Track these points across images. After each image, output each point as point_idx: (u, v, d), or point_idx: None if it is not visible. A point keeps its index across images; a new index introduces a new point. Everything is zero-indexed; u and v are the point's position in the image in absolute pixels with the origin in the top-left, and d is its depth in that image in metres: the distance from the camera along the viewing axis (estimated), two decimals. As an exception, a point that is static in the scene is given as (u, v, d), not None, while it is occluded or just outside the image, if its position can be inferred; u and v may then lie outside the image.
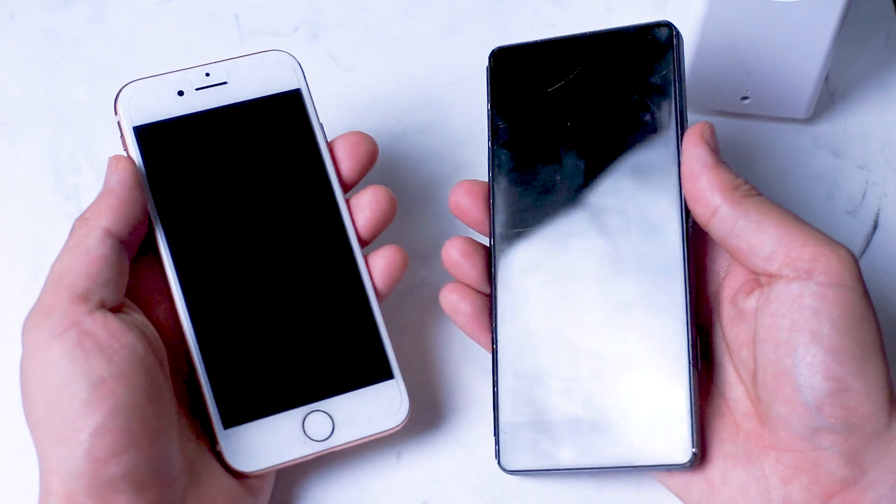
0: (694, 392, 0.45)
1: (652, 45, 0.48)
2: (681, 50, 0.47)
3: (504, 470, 0.46)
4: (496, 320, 0.47)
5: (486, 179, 0.49)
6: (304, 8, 0.61)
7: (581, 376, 0.46)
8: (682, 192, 0.46)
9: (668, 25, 0.48)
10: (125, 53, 0.59)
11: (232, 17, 0.60)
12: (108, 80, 0.58)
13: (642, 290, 0.46)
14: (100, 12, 0.60)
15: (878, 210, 0.56)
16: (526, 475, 0.47)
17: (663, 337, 0.45)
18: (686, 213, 0.46)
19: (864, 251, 0.55)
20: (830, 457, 0.41)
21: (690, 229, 0.46)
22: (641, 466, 0.44)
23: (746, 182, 0.45)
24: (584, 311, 0.46)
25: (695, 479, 0.45)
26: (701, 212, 0.45)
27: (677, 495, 0.46)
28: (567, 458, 0.45)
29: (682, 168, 0.46)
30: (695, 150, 0.45)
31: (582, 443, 0.45)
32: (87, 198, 0.55)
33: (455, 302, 0.48)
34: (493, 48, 0.50)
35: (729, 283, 0.46)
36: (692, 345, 0.45)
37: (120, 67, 0.59)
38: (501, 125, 0.49)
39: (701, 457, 0.45)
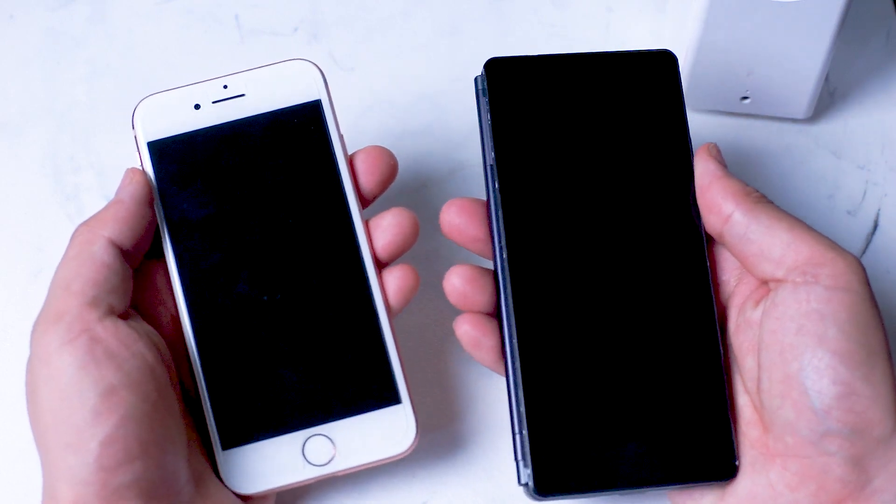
0: (730, 403, 0.45)
1: (656, 69, 0.48)
2: (680, 76, 0.48)
3: (538, 497, 0.44)
4: (515, 341, 0.45)
5: (482, 185, 0.49)
6: (304, 8, 0.61)
7: (615, 395, 0.45)
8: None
9: (668, 53, 0.48)
10: (125, 53, 0.59)
11: (232, 17, 0.60)
12: (108, 80, 0.58)
13: (668, 303, 0.46)
14: (100, 12, 0.60)
15: (878, 210, 0.56)
16: (563, 499, 0.45)
17: (696, 350, 0.45)
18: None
19: (864, 251, 0.55)
20: (837, 462, 0.41)
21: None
22: (685, 483, 0.44)
23: (757, 190, 0.45)
24: (611, 329, 0.46)
25: (700, 494, 0.45)
26: (713, 220, 0.45)
27: None
28: (609, 479, 0.44)
29: (696, 179, 0.46)
30: (704, 165, 0.46)
31: (621, 464, 0.44)
32: (87, 198, 0.55)
33: (478, 337, 0.45)
34: (487, 59, 0.49)
35: (739, 293, 0.46)
36: (724, 356, 0.45)
37: (120, 67, 0.59)
38: (501, 139, 0.48)
39: (739, 468, 0.45)
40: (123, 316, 0.43)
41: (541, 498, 0.44)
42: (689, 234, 0.47)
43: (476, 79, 0.49)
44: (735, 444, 0.45)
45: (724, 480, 0.45)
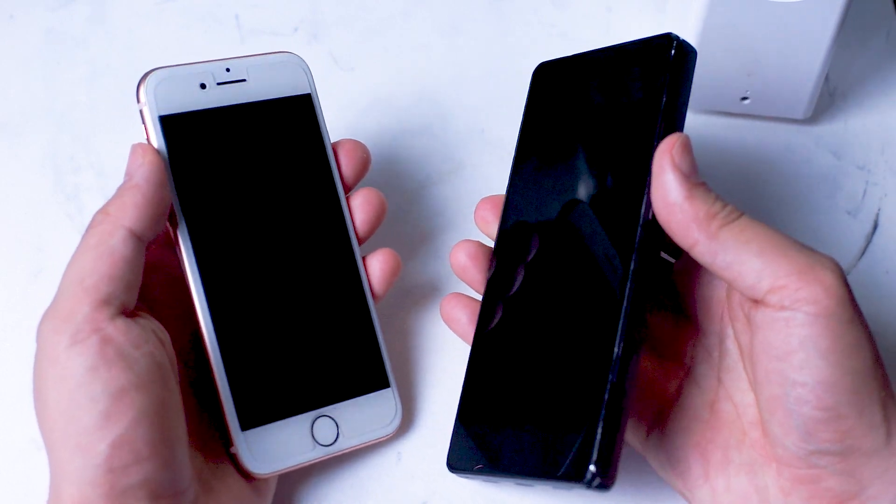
0: (609, 412, 0.43)
1: (659, 58, 0.47)
2: (683, 59, 0.46)
3: (448, 469, 0.48)
4: (476, 329, 0.49)
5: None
6: (304, 8, 0.61)
7: (516, 390, 0.46)
8: (653, 213, 0.43)
9: (673, 37, 0.46)
10: (125, 53, 0.59)
11: (232, 17, 0.60)
12: (108, 80, 0.58)
13: (586, 306, 0.45)
14: (100, 12, 0.60)
15: (878, 210, 0.56)
16: (464, 476, 0.48)
17: (590, 356, 0.44)
18: (644, 232, 0.44)
19: (864, 251, 0.55)
20: (829, 474, 0.41)
21: (640, 246, 0.44)
22: (550, 479, 0.44)
23: (725, 205, 0.42)
24: (538, 324, 0.46)
25: (700, 485, 0.45)
26: (681, 243, 0.43)
27: (686, 498, 0.46)
28: (492, 464, 0.46)
29: (653, 196, 0.43)
30: (665, 177, 0.42)
31: (508, 453, 0.45)
32: (87, 198, 0.55)
33: (450, 311, 0.50)
34: (538, 63, 0.50)
35: (734, 293, 0.45)
36: (616, 365, 0.43)
37: (120, 68, 0.59)
38: (528, 136, 0.50)
39: (604, 477, 0.42)
40: (133, 313, 0.43)
41: (452, 472, 0.48)
42: (624, 238, 0.45)
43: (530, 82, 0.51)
44: (595, 450, 0.42)
45: (578, 483, 0.42)
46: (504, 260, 0.48)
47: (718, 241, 0.41)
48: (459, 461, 0.48)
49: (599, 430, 0.43)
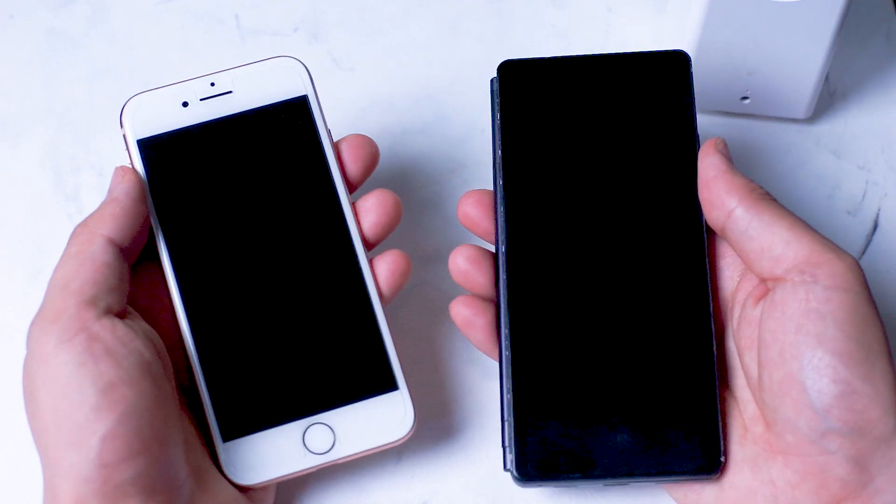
0: (719, 400, 0.45)
1: (667, 69, 0.48)
2: (692, 77, 0.49)
3: (520, 483, 0.45)
4: (507, 329, 0.46)
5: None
6: (304, 8, 0.61)
7: (602, 386, 0.45)
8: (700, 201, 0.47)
9: (682, 54, 0.49)
10: (125, 53, 0.59)
11: (232, 17, 0.60)
12: (108, 80, 0.58)
13: (663, 299, 0.46)
14: (100, 12, 0.60)
15: (878, 210, 0.56)
16: (544, 487, 0.46)
17: (687, 345, 0.45)
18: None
19: (864, 251, 0.55)
20: (838, 461, 0.41)
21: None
22: (668, 476, 0.44)
23: (761, 187, 0.45)
24: (603, 321, 0.46)
25: (702, 485, 0.45)
26: (716, 216, 0.45)
27: (688, 501, 0.46)
28: (589, 469, 0.45)
29: (699, 176, 0.46)
30: (709, 160, 0.46)
31: (604, 454, 0.45)
32: (88, 198, 0.55)
33: (470, 316, 0.47)
34: (500, 61, 0.50)
35: (741, 289, 0.46)
36: (714, 354, 0.45)
37: (120, 67, 0.59)
38: (509, 137, 0.49)
39: (725, 464, 0.45)
40: (121, 314, 0.44)
41: (522, 483, 0.45)
42: (688, 231, 0.47)
43: (491, 80, 0.50)
44: (721, 441, 0.45)
45: (708, 476, 0.44)
46: (531, 258, 0.47)
47: (756, 210, 0.44)
48: (537, 470, 0.45)
49: (718, 420, 0.45)
